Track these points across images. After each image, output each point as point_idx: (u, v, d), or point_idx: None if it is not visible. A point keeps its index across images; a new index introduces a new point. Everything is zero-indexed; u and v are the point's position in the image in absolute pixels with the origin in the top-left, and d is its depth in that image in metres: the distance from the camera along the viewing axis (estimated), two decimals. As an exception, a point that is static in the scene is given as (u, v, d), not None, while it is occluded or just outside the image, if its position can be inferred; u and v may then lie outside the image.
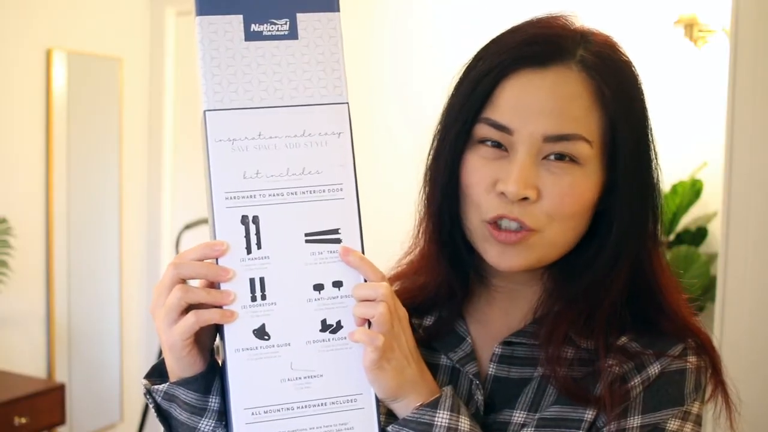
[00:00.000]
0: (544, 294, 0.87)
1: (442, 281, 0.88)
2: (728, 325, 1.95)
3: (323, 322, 0.75)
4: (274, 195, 0.75)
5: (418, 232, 0.90)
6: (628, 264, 0.83)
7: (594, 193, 0.81)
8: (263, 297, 0.74)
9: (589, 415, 0.80)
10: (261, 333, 0.74)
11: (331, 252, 0.76)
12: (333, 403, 0.75)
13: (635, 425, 0.78)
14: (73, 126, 3.35)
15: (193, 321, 0.72)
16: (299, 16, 0.77)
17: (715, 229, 2.85)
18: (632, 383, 0.80)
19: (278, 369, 0.74)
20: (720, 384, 0.85)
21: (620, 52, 0.84)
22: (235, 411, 0.74)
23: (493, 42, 0.84)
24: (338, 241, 0.76)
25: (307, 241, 0.76)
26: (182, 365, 0.76)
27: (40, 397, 2.79)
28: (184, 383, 0.76)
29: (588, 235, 0.84)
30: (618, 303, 0.83)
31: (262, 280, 0.74)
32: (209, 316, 0.73)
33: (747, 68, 1.89)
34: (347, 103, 0.78)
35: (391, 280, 0.94)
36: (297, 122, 0.76)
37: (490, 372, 0.86)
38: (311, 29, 0.78)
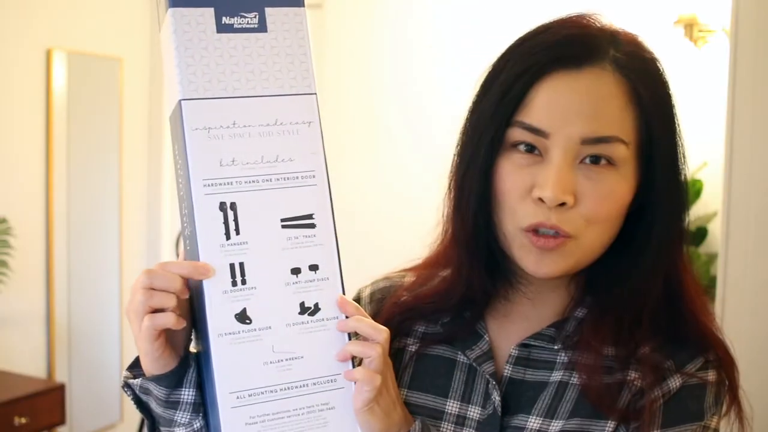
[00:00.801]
0: (567, 298, 0.86)
1: (475, 289, 0.86)
2: (728, 325, 1.94)
3: (301, 304, 0.77)
4: (250, 182, 0.77)
5: (444, 232, 0.89)
6: (663, 268, 0.82)
7: (629, 195, 0.80)
8: (243, 282, 0.76)
9: (609, 427, 0.79)
10: (242, 317, 0.76)
11: (306, 236, 0.78)
12: (314, 384, 0.77)
13: None
14: (73, 126, 3.34)
15: (147, 325, 0.73)
16: (267, 10, 0.80)
17: (715, 229, 2.84)
18: (653, 396, 0.79)
19: (260, 352, 0.76)
20: (734, 400, 0.84)
21: (648, 50, 0.83)
22: (220, 395, 0.75)
23: (522, 42, 0.82)
24: (313, 225, 0.78)
25: (283, 227, 0.77)
26: (157, 365, 0.77)
27: (40, 397, 2.79)
28: (155, 379, 0.77)
29: (619, 237, 0.82)
30: (648, 311, 0.82)
31: (241, 265, 0.76)
32: (163, 321, 0.73)
33: (747, 68, 1.89)
34: (315, 93, 0.81)
35: (416, 270, 0.95)
36: (269, 111, 0.78)
37: (505, 373, 0.85)
38: (279, 23, 0.80)
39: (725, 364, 0.84)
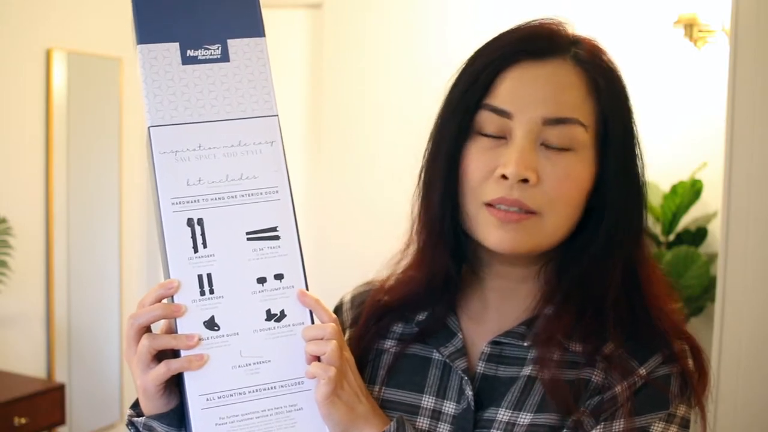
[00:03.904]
0: (537, 294, 0.88)
1: (436, 273, 0.89)
2: (728, 325, 1.95)
3: (268, 311, 0.82)
4: (215, 199, 0.82)
5: (413, 228, 0.92)
6: (621, 260, 0.85)
7: (589, 180, 0.84)
8: (211, 291, 0.80)
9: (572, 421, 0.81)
10: (211, 324, 0.80)
11: (271, 248, 0.83)
12: (282, 386, 0.81)
13: (620, 429, 0.80)
14: (73, 126, 3.35)
15: (164, 371, 0.78)
16: (230, 41, 0.86)
17: (715, 229, 2.85)
18: (618, 389, 0.81)
19: (229, 357, 0.80)
20: (704, 387, 0.86)
21: (608, 55, 0.88)
22: (191, 398, 0.79)
23: (491, 41, 0.88)
24: (277, 237, 0.83)
25: (248, 239, 0.82)
26: (155, 405, 0.80)
27: (40, 397, 2.79)
28: (158, 417, 0.81)
29: (582, 231, 0.86)
30: (610, 305, 0.84)
31: (209, 276, 0.81)
32: (179, 365, 0.78)
33: (747, 68, 1.89)
34: (277, 115, 0.86)
35: (390, 284, 0.96)
36: (233, 134, 0.84)
37: (478, 370, 0.87)
38: (241, 53, 0.86)
39: (693, 352, 0.86)
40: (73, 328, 3.39)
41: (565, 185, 0.82)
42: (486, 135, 0.84)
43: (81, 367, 3.44)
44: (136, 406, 0.85)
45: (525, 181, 0.81)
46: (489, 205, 0.83)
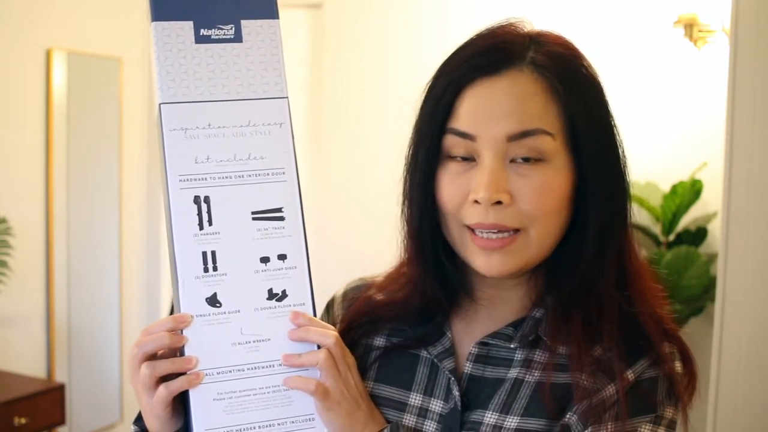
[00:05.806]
0: (528, 297, 0.89)
1: (429, 301, 0.90)
2: (728, 325, 1.95)
3: (270, 291, 0.83)
4: (223, 177, 0.83)
5: (402, 251, 0.92)
6: (609, 260, 0.85)
7: (567, 187, 0.83)
8: (215, 268, 0.82)
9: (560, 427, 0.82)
10: (213, 301, 0.82)
11: (275, 228, 0.84)
12: (281, 365, 0.82)
13: None
14: (73, 126, 3.35)
15: (165, 393, 0.79)
16: (243, 22, 0.87)
17: (715, 229, 2.84)
18: (606, 393, 0.81)
19: (229, 334, 0.81)
20: (693, 387, 0.86)
21: (573, 49, 0.86)
22: (189, 373, 0.80)
23: (448, 59, 0.87)
24: (282, 218, 0.84)
25: (253, 219, 0.84)
26: (166, 426, 0.81)
27: (40, 397, 2.79)
28: None
29: (570, 233, 0.85)
30: (599, 308, 0.84)
31: (213, 253, 0.82)
32: (178, 385, 0.79)
33: (747, 68, 1.89)
34: (287, 97, 0.87)
35: (375, 287, 0.97)
36: (243, 114, 0.85)
37: (465, 370, 0.88)
38: (254, 34, 0.87)
39: (682, 355, 0.86)
40: (73, 328, 3.39)
41: (540, 198, 0.81)
42: (455, 159, 0.83)
43: (81, 367, 3.44)
44: (138, 420, 0.86)
45: (499, 203, 0.80)
46: (470, 228, 0.83)
